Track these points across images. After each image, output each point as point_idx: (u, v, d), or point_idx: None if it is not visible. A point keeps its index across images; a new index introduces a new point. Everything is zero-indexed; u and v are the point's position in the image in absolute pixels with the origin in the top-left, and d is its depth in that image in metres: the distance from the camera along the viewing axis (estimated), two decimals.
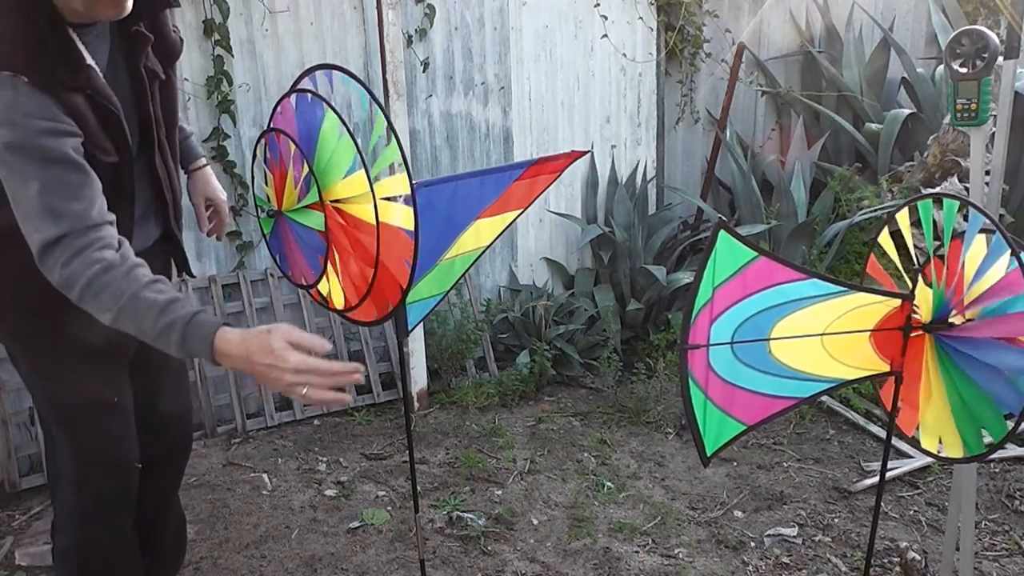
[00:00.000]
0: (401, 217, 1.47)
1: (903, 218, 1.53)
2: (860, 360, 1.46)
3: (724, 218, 1.35)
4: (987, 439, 1.41)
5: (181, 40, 1.61)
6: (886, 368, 1.47)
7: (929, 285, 1.44)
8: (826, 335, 1.42)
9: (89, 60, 1.34)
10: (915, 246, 1.51)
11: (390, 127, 1.44)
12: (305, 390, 1.28)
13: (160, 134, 1.55)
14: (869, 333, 1.44)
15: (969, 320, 1.39)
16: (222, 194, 1.87)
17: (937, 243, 1.46)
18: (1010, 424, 1.34)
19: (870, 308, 1.42)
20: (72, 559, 1.72)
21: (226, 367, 1.29)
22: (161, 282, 1.31)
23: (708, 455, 1.47)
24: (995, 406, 1.36)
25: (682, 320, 1.37)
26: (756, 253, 1.36)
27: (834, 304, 1.40)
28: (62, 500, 1.72)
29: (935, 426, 1.46)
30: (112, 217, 1.34)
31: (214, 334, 1.26)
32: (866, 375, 1.48)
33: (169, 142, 1.59)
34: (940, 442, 1.46)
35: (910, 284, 1.43)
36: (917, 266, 1.44)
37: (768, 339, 1.42)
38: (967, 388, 1.39)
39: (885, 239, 1.53)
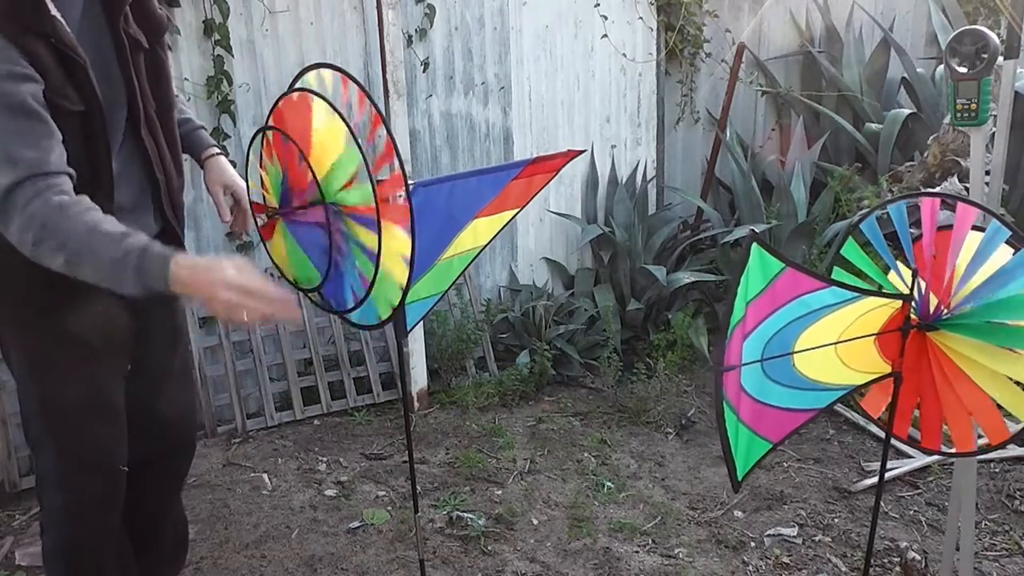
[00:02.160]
0: (400, 216, 1.47)
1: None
2: (867, 364, 1.45)
3: (755, 230, 1.32)
4: (983, 440, 1.41)
5: (169, 19, 1.60)
6: (888, 370, 1.47)
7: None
8: (840, 343, 1.40)
9: (54, 11, 1.32)
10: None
11: (385, 124, 1.44)
12: (244, 314, 1.29)
13: (148, 108, 1.52)
14: (875, 337, 1.43)
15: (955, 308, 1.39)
16: (240, 181, 1.77)
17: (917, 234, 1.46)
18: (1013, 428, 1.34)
19: (878, 311, 1.41)
20: (60, 559, 1.71)
21: (178, 289, 1.28)
22: (114, 219, 1.31)
23: (739, 479, 1.41)
24: (1011, 384, 1.34)
25: (713, 343, 1.34)
26: (784, 264, 1.32)
27: (847, 311, 1.38)
28: (47, 501, 1.70)
29: (957, 414, 1.44)
30: (71, 171, 1.33)
31: (170, 259, 1.27)
32: (871, 379, 1.47)
33: (162, 122, 1.56)
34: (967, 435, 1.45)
35: (896, 283, 1.43)
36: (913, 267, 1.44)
37: (793, 352, 1.38)
38: (976, 368, 1.38)
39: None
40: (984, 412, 1.39)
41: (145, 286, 1.29)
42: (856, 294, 1.37)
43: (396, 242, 1.47)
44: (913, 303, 1.42)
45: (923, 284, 1.43)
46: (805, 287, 1.34)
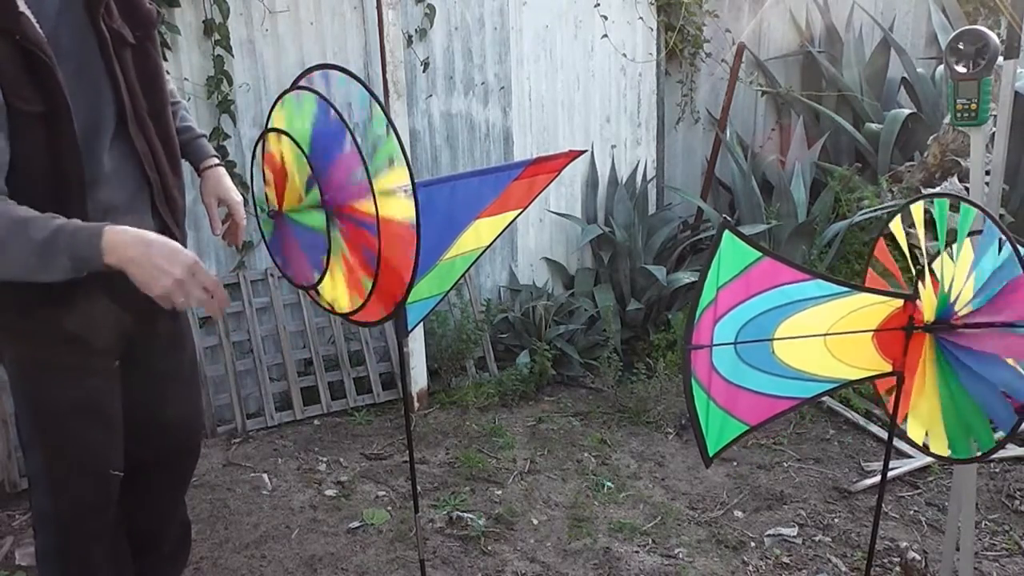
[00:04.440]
0: (402, 214, 1.46)
1: (908, 218, 1.52)
2: (863, 360, 1.46)
3: (728, 218, 1.34)
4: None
5: (159, 12, 1.57)
6: (888, 368, 1.47)
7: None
8: (829, 335, 1.42)
9: (23, 8, 1.29)
10: (912, 245, 1.51)
11: (389, 123, 1.44)
12: (182, 300, 1.29)
13: (137, 105, 1.49)
14: (872, 333, 1.44)
15: (962, 318, 1.39)
16: (236, 195, 1.76)
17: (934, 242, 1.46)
18: (1000, 435, 1.34)
19: (873, 308, 1.42)
20: (53, 561, 1.69)
21: (113, 260, 1.26)
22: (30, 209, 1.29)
23: (710, 455, 1.46)
24: (984, 416, 1.36)
25: (685, 320, 1.37)
26: (760, 253, 1.35)
27: (837, 305, 1.40)
28: (37, 503, 1.68)
29: (926, 419, 1.46)
30: (3, 187, 1.30)
31: (102, 229, 1.25)
32: (868, 375, 1.48)
33: (155, 120, 1.53)
34: (927, 435, 1.47)
35: (901, 284, 1.43)
36: (919, 266, 1.44)
37: (771, 339, 1.41)
38: (960, 394, 1.39)
39: (898, 228, 1.53)
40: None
41: (80, 260, 1.25)
42: (846, 289, 1.38)
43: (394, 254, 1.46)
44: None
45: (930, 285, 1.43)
46: (786, 277, 1.37)
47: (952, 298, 1.40)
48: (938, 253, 1.44)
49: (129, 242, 1.27)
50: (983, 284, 1.36)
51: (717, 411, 1.45)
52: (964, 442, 1.41)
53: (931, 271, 1.42)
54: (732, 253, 1.34)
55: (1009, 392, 1.32)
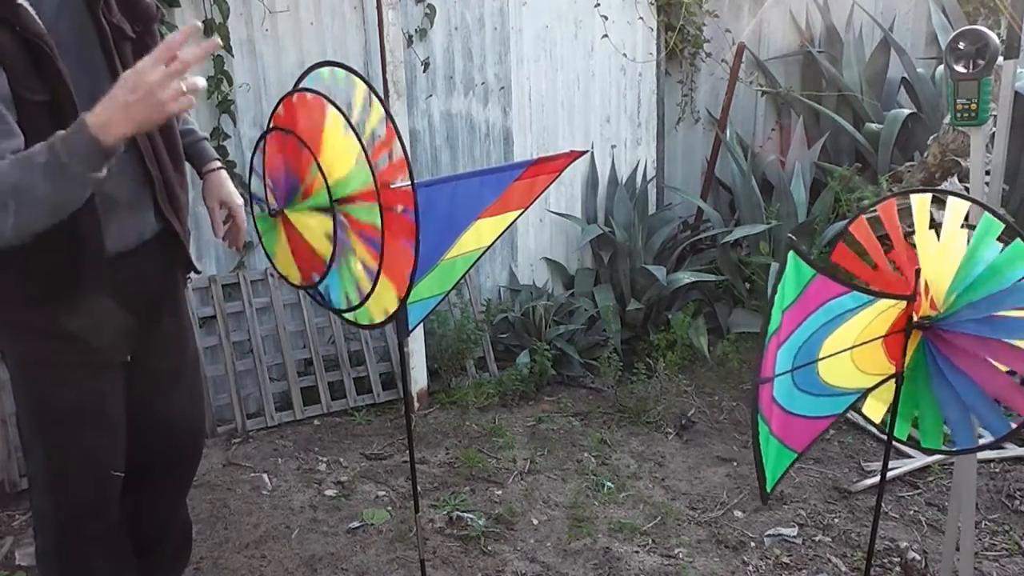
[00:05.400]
0: (403, 228, 1.47)
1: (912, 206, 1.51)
2: (876, 366, 1.44)
3: (792, 236, 1.30)
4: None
5: (158, 6, 1.58)
6: (892, 370, 1.46)
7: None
8: (855, 347, 1.39)
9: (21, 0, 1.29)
10: (907, 233, 1.50)
11: (389, 118, 1.44)
12: (175, 84, 1.24)
13: None
14: (882, 339, 1.43)
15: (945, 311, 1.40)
16: (237, 198, 1.76)
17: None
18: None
19: (887, 313, 1.40)
20: (52, 561, 1.69)
21: (112, 135, 1.24)
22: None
23: (769, 491, 1.38)
24: (940, 419, 1.38)
25: (758, 352, 1.27)
26: (815, 271, 1.29)
27: (863, 315, 1.37)
28: (37, 504, 1.68)
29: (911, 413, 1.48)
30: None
31: (82, 120, 1.23)
32: (880, 380, 1.46)
33: None
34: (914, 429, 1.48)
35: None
36: (917, 267, 1.44)
37: (817, 360, 1.36)
38: (925, 390, 1.41)
39: (859, 227, 1.53)
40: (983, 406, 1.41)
41: (83, 159, 1.23)
42: (870, 297, 1.36)
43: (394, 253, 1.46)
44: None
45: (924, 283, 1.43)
46: (831, 292, 1.32)
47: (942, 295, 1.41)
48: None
49: (106, 109, 1.24)
50: (975, 281, 1.36)
51: (774, 443, 1.38)
52: (934, 436, 1.43)
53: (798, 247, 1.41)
54: (795, 274, 1.28)
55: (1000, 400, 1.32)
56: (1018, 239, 1.33)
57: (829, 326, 1.34)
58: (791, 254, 1.25)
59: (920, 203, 1.46)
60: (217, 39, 1.34)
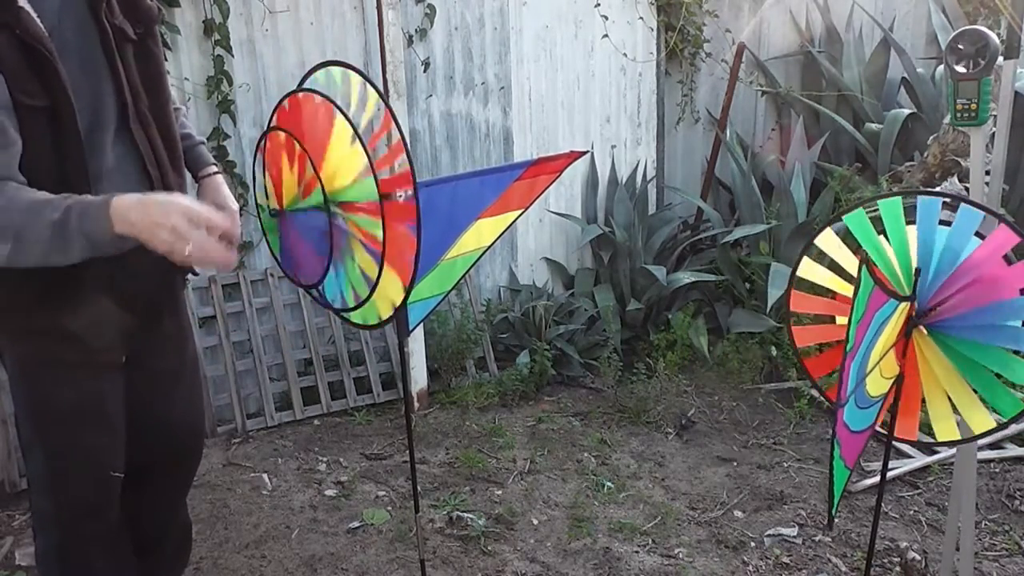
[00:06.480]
0: (404, 214, 1.47)
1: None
2: (889, 369, 1.45)
3: (869, 258, 1.29)
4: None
5: (160, 10, 1.58)
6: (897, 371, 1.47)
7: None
8: (883, 356, 1.39)
9: (22, 2, 1.29)
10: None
11: (393, 118, 1.43)
12: (189, 248, 1.28)
13: (138, 102, 1.49)
14: (894, 345, 1.43)
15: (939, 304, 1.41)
16: (233, 203, 1.74)
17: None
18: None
19: (899, 316, 1.41)
20: (53, 562, 1.69)
21: (121, 229, 1.27)
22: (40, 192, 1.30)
23: (835, 513, 1.36)
24: (1005, 388, 1.37)
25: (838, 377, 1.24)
26: (874, 284, 1.27)
27: (892, 321, 1.37)
28: (37, 505, 1.68)
29: (945, 410, 1.46)
30: (21, 178, 1.31)
31: (109, 200, 1.26)
32: (889, 384, 1.47)
33: (156, 117, 1.54)
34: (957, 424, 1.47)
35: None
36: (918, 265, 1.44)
37: (868, 372, 1.35)
38: (971, 369, 1.40)
39: (826, 240, 1.54)
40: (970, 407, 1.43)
41: (91, 238, 1.27)
42: (897, 301, 1.36)
43: (396, 244, 1.46)
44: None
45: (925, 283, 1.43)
46: (879, 302, 1.30)
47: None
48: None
49: (130, 206, 1.27)
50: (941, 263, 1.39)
51: (840, 465, 1.35)
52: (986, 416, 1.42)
53: (873, 264, 1.42)
54: (865, 289, 1.25)
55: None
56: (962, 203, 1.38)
57: (875, 338, 1.33)
58: (863, 271, 1.23)
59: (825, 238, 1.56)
60: (234, 256, 1.40)
